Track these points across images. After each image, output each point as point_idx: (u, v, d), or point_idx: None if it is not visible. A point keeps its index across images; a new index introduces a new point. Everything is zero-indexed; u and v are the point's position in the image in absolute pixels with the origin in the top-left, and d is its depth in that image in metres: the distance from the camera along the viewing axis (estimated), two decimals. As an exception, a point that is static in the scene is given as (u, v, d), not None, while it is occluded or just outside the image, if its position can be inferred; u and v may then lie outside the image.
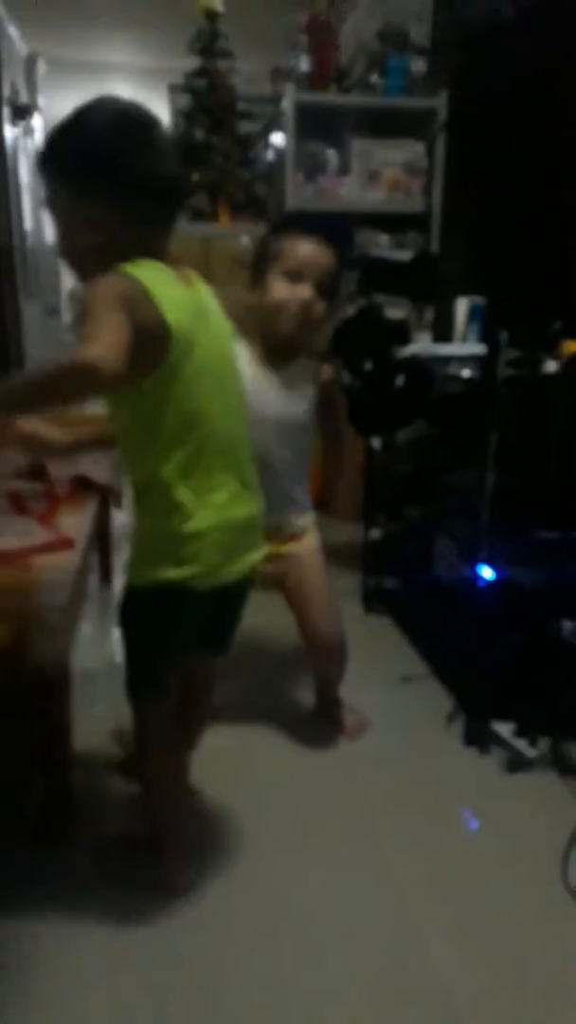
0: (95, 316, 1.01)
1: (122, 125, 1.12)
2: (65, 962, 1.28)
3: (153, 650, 1.29)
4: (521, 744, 1.82)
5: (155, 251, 1.16)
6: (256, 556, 1.33)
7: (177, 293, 1.15)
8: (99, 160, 1.10)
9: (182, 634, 1.30)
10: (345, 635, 1.87)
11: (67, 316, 6.57)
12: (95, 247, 1.13)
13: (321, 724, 1.95)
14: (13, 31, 4.55)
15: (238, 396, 1.29)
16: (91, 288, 1.06)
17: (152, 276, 1.10)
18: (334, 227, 1.73)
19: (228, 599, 1.34)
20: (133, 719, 1.36)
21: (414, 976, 1.28)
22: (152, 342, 1.08)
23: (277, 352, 1.76)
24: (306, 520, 1.90)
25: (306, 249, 1.66)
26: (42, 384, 1.03)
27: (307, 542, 1.87)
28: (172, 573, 1.20)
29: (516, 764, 1.79)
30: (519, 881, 1.48)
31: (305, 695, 2.05)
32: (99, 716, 2.01)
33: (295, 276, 1.65)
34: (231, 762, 1.81)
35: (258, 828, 1.60)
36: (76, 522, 1.82)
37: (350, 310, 2.58)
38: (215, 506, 1.21)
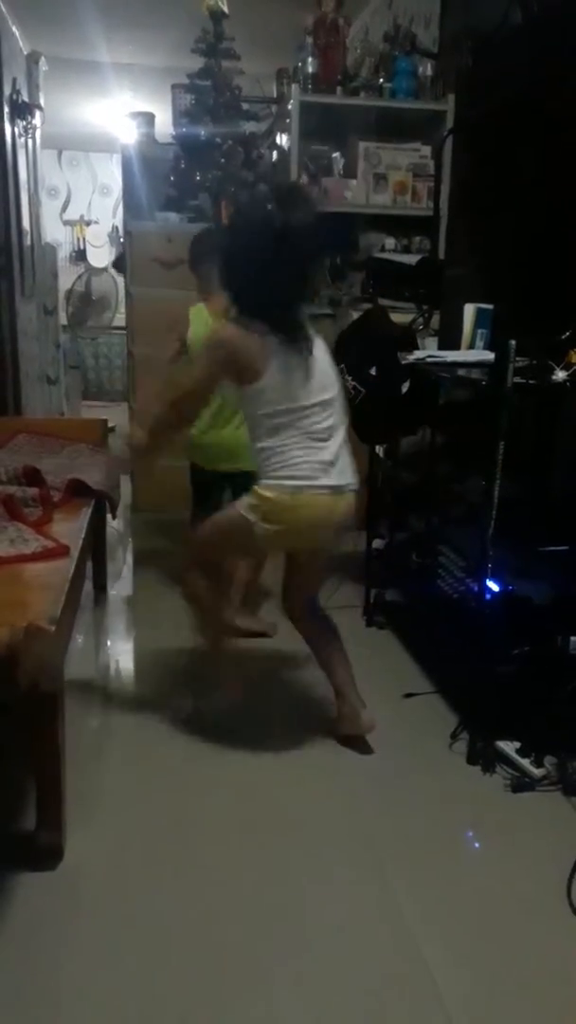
0: None
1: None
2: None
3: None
4: (526, 763, 1.78)
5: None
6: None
7: None
8: None
9: None
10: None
11: (64, 316, 6.54)
12: None
13: (326, 742, 1.91)
14: (15, 29, 4.52)
15: None
16: None
17: None
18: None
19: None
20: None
21: (416, 999, 1.24)
22: None
23: None
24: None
25: None
26: None
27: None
28: None
29: (521, 783, 1.75)
30: (524, 902, 1.45)
31: (312, 714, 2.02)
32: (93, 727, 1.98)
33: None
34: (234, 775, 1.78)
35: (255, 843, 1.57)
36: (71, 529, 1.77)
37: (354, 314, 2.53)
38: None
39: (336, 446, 1.74)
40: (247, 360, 1.67)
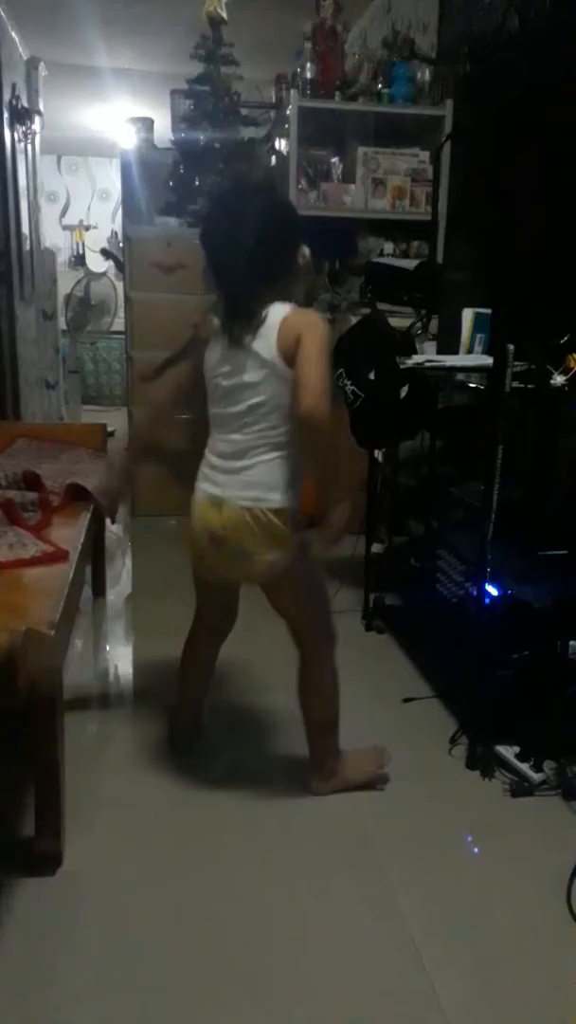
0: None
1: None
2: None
3: None
4: (525, 768, 1.77)
5: None
6: None
7: None
8: None
9: None
10: None
11: (63, 321, 6.55)
12: None
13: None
14: (15, 35, 4.53)
15: None
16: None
17: None
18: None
19: None
20: None
21: (414, 1003, 1.23)
22: None
23: None
24: None
25: None
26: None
27: None
28: None
29: (520, 788, 1.74)
30: (523, 908, 1.44)
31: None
32: (92, 732, 1.98)
33: None
34: (232, 780, 1.77)
35: (254, 848, 1.56)
36: (70, 533, 1.77)
37: (353, 319, 2.54)
38: None
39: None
40: None
